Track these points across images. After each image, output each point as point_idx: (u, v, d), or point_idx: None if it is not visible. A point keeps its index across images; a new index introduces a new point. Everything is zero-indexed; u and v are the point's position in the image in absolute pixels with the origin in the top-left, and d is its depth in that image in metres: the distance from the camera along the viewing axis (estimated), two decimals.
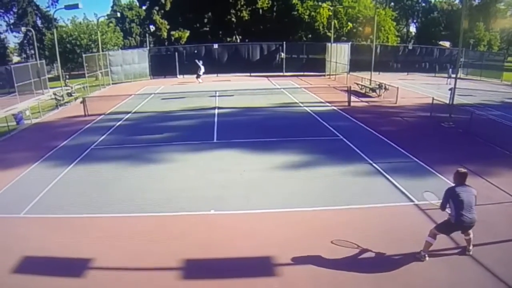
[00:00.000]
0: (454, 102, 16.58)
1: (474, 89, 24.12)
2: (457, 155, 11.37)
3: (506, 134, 13.91)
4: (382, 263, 6.21)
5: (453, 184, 6.20)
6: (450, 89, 17.04)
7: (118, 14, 43.14)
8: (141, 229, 7.55)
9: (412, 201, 8.39)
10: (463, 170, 6.12)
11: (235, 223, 7.70)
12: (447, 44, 43.27)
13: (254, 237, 7.13)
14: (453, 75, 31.59)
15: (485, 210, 7.84)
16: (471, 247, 6.34)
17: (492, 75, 33.97)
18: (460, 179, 6.06)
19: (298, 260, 6.33)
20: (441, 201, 6.14)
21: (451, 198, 5.95)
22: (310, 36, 47.39)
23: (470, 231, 6.18)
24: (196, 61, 31.59)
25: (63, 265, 6.34)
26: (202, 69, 31.12)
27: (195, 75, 31.17)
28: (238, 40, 48.08)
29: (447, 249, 6.49)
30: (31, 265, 6.32)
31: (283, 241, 6.91)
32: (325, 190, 9.18)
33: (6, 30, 53.94)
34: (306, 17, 46.30)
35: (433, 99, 16.98)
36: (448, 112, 15.70)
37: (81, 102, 19.40)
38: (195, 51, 31.89)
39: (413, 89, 25.81)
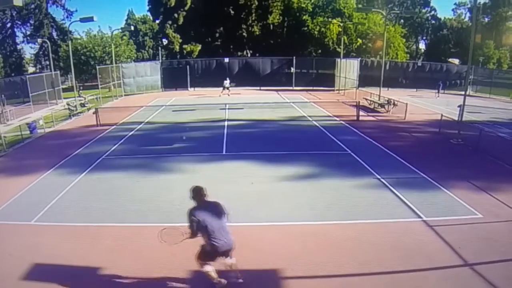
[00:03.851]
0: (463, 119, 16.57)
1: (483, 107, 24.07)
2: (466, 172, 11.34)
3: None
4: (389, 279, 6.21)
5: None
6: (459, 106, 17.06)
7: (132, 28, 44.21)
8: (150, 239, 7.60)
9: (420, 217, 8.38)
10: (195, 186, 5.45)
11: (242, 235, 7.66)
12: (456, 61, 43.32)
13: (260, 249, 7.18)
14: (442, 91, 31.97)
15: (494, 228, 7.83)
16: (238, 274, 5.87)
17: (501, 93, 33.83)
18: (197, 197, 5.36)
19: (305, 274, 6.37)
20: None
21: (197, 222, 5.20)
22: (319, 51, 47.84)
23: (231, 254, 5.66)
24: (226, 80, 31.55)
25: (73, 273, 6.42)
26: (227, 83, 31.34)
27: (223, 88, 31.26)
28: (249, 55, 48.74)
29: (454, 267, 6.49)
30: (42, 273, 6.41)
31: (290, 254, 6.96)
32: (332, 204, 9.22)
33: (23, 41, 55.71)
34: (316, 32, 46.82)
35: (442, 115, 16.99)
36: (457, 129, 15.69)
37: (93, 113, 19.79)
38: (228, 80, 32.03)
39: (422, 105, 25.83)
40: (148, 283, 6.18)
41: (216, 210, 5.38)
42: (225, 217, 5.42)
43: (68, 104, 23.46)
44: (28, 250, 7.12)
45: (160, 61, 40.84)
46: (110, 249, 7.17)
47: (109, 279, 6.27)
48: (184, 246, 7.20)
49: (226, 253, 5.50)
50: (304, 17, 47.48)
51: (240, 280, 5.94)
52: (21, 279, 6.25)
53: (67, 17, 55.07)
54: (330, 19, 44.66)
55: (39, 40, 46.06)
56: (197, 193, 5.38)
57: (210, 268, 5.61)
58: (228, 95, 29.88)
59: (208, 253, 5.47)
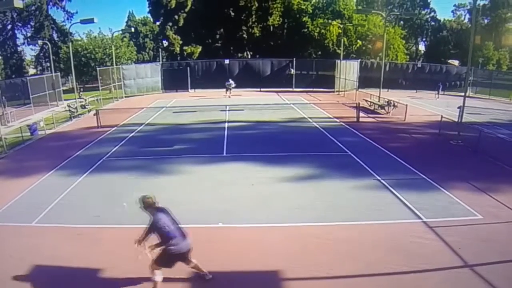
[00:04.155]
0: (463, 120, 16.60)
1: (483, 108, 24.06)
2: (465, 173, 11.38)
3: None
4: (388, 280, 6.24)
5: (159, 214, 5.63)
6: (459, 107, 17.10)
7: (132, 29, 44.19)
8: (150, 240, 7.66)
9: (420, 218, 8.41)
10: (144, 196, 5.64)
11: (243, 236, 7.78)
12: (455, 62, 43.40)
13: (261, 250, 7.21)
14: (442, 92, 31.99)
15: (493, 229, 7.86)
16: (205, 270, 6.07)
17: (501, 94, 33.89)
18: (149, 206, 5.57)
19: (306, 275, 6.39)
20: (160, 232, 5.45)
21: (158, 230, 5.44)
22: (319, 53, 47.93)
23: (191, 258, 5.87)
24: (229, 82, 31.69)
25: (73, 275, 6.44)
26: (232, 84, 31.43)
27: (226, 90, 31.26)
28: (249, 56, 48.80)
29: (454, 268, 6.52)
30: (42, 274, 6.45)
31: (290, 255, 6.99)
32: (332, 205, 9.25)
33: (23, 43, 55.62)
34: (316, 34, 46.89)
35: (441, 117, 17.02)
36: (456, 130, 15.72)
37: (94, 114, 19.82)
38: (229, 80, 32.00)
39: (422, 107, 25.86)
40: (147, 285, 6.16)
41: (170, 214, 5.60)
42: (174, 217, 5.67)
43: (68, 106, 23.49)
44: (28, 251, 7.15)
45: (161, 62, 40.81)
46: (110, 251, 7.18)
47: (109, 281, 6.30)
48: None
49: (187, 255, 5.71)
50: (304, 19, 47.56)
51: (210, 276, 6.12)
52: (22, 280, 6.27)
53: (67, 18, 55.12)
54: (330, 21, 44.72)
55: (40, 42, 46.06)
56: (148, 202, 5.56)
57: (160, 279, 5.76)
58: (229, 97, 29.92)
59: (171, 257, 5.60)
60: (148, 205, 5.57)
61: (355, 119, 19.92)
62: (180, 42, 46.15)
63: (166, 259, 5.63)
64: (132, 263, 6.74)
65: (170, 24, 45.94)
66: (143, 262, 6.73)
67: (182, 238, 5.58)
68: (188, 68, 36.69)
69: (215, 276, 6.32)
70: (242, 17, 46.23)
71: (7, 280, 6.24)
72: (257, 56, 46.89)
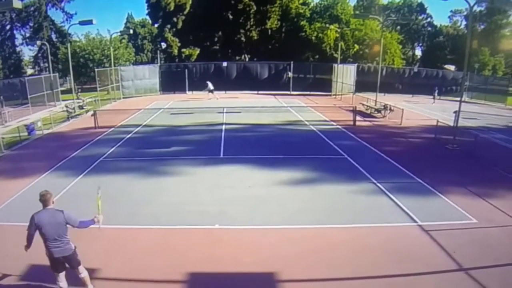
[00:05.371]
0: (459, 125, 16.72)
1: (479, 113, 24.28)
2: (461, 177, 11.47)
3: (509, 158, 14.03)
4: (383, 283, 6.29)
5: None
6: (455, 112, 17.23)
7: (131, 31, 43.97)
8: (146, 241, 7.69)
9: (415, 221, 8.46)
10: (42, 192, 5.57)
11: (239, 238, 7.80)
12: (452, 68, 43.70)
13: (257, 252, 7.23)
14: (438, 97, 32.22)
15: (488, 233, 7.94)
16: (90, 287, 5.86)
17: (496, 99, 34.21)
18: (42, 202, 5.52)
19: (301, 277, 6.43)
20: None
21: (36, 227, 5.35)
22: (317, 56, 48.18)
23: (82, 269, 5.78)
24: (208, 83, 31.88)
25: (68, 275, 6.42)
26: (210, 86, 31.46)
27: (208, 92, 31.32)
28: (247, 59, 48.94)
29: (448, 271, 6.58)
30: (38, 273, 6.43)
31: (286, 257, 7.02)
32: (328, 208, 9.31)
33: (22, 43, 55.55)
34: (314, 38, 47.15)
35: (437, 121, 17.13)
36: (452, 135, 15.83)
37: (92, 115, 19.82)
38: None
39: (418, 111, 26.01)
40: (142, 286, 6.20)
41: (56, 217, 5.45)
42: (65, 226, 5.51)
43: (66, 106, 23.44)
44: (24, 251, 7.13)
45: (159, 64, 40.80)
46: (105, 252, 7.19)
47: (103, 282, 6.30)
48: (177, 251, 7.30)
49: (63, 260, 5.60)
50: (302, 23, 47.86)
51: None
52: (18, 279, 6.29)
53: (66, 19, 55.10)
54: (327, 25, 44.97)
55: (38, 43, 45.92)
56: (41, 198, 5.53)
57: (62, 285, 5.71)
58: (217, 99, 29.84)
59: (49, 259, 5.57)
60: (41, 201, 5.55)
61: (351, 123, 20.02)
62: (179, 44, 46.25)
63: (49, 262, 5.62)
64: (126, 263, 6.80)
65: (169, 26, 46.06)
66: (138, 262, 6.81)
67: (56, 243, 5.46)
68: (186, 70, 36.75)
69: (211, 277, 6.36)
70: (241, 20, 46.46)
71: (3, 279, 6.27)
72: (255, 59, 47.06)
